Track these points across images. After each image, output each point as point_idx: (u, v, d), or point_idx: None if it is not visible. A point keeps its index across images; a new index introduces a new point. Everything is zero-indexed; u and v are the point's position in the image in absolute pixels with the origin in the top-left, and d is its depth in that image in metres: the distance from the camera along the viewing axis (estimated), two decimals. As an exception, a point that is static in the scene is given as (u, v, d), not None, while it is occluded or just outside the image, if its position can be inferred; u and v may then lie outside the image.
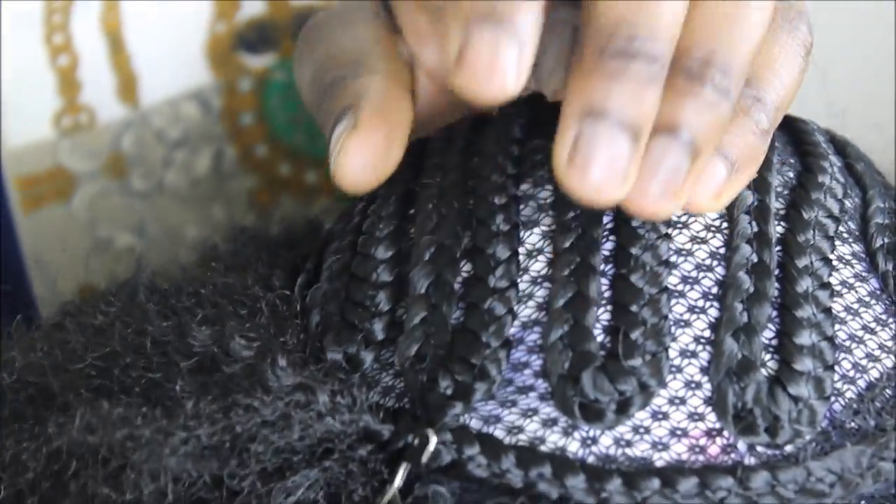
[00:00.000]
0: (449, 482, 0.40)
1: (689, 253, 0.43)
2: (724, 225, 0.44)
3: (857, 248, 0.46)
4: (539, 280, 0.43)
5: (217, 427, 0.40)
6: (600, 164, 0.39)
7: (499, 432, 0.40)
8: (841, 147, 0.49)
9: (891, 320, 0.44)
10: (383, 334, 0.43)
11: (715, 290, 0.42)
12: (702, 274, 0.42)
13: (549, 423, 0.40)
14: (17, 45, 0.60)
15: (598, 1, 0.40)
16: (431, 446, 0.40)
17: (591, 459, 0.40)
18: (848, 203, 0.46)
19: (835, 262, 0.44)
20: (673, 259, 0.43)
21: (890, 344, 0.43)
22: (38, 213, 0.64)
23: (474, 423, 0.41)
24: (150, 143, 0.65)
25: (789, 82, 0.44)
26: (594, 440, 0.40)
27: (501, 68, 0.39)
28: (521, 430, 0.40)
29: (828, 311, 0.43)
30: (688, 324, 0.42)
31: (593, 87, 0.39)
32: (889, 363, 0.43)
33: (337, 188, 0.45)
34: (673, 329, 0.41)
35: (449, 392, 0.41)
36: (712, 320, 0.42)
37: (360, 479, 0.40)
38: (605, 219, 0.43)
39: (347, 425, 0.40)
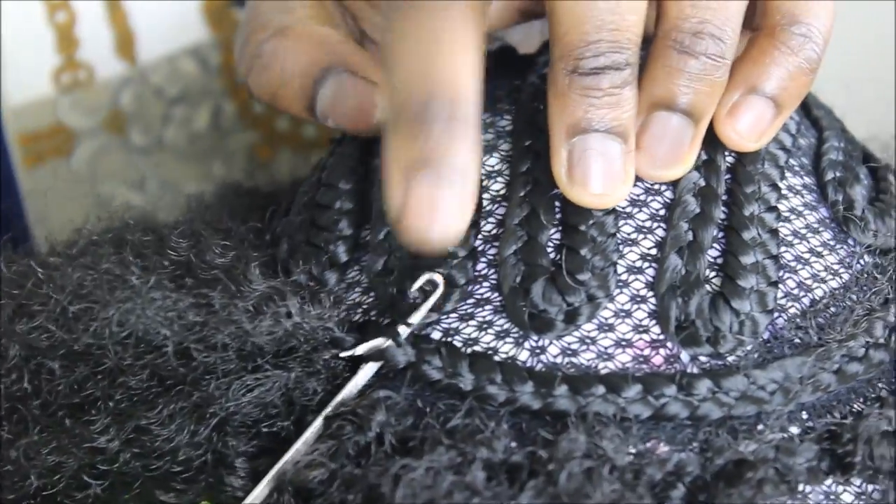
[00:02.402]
0: (400, 389, 0.41)
1: (639, 178, 0.44)
2: None
3: (808, 180, 0.47)
4: (498, 199, 0.44)
5: (196, 300, 0.42)
6: (597, 175, 0.42)
7: (456, 343, 0.42)
8: None
9: (838, 246, 0.45)
10: (346, 256, 0.45)
11: (662, 212, 0.44)
12: (650, 197, 0.44)
13: (502, 334, 0.42)
14: (15, 1, 0.62)
15: (561, 20, 0.42)
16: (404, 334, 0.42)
17: (538, 367, 0.41)
18: (802, 140, 0.48)
19: (785, 192, 0.46)
20: None
21: (836, 267, 0.45)
22: (40, 169, 0.66)
23: (434, 335, 0.42)
24: (149, 99, 0.66)
25: (827, 17, 0.45)
26: (542, 349, 0.42)
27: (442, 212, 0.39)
28: (476, 341, 0.42)
29: (773, 231, 0.44)
30: (635, 242, 0.43)
31: (572, 106, 0.42)
32: (835, 284, 0.44)
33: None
34: (621, 247, 0.43)
35: (419, 301, 0.42)
36: (659, 239, 0.43)
37: (321, 378, 0.42)
38: None
39: (315, 330, 0.42)
